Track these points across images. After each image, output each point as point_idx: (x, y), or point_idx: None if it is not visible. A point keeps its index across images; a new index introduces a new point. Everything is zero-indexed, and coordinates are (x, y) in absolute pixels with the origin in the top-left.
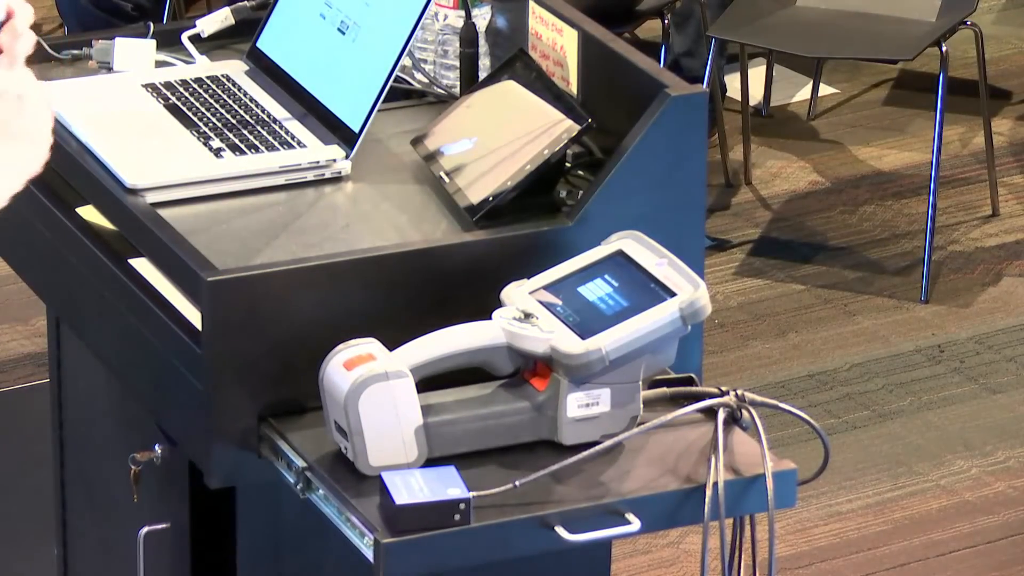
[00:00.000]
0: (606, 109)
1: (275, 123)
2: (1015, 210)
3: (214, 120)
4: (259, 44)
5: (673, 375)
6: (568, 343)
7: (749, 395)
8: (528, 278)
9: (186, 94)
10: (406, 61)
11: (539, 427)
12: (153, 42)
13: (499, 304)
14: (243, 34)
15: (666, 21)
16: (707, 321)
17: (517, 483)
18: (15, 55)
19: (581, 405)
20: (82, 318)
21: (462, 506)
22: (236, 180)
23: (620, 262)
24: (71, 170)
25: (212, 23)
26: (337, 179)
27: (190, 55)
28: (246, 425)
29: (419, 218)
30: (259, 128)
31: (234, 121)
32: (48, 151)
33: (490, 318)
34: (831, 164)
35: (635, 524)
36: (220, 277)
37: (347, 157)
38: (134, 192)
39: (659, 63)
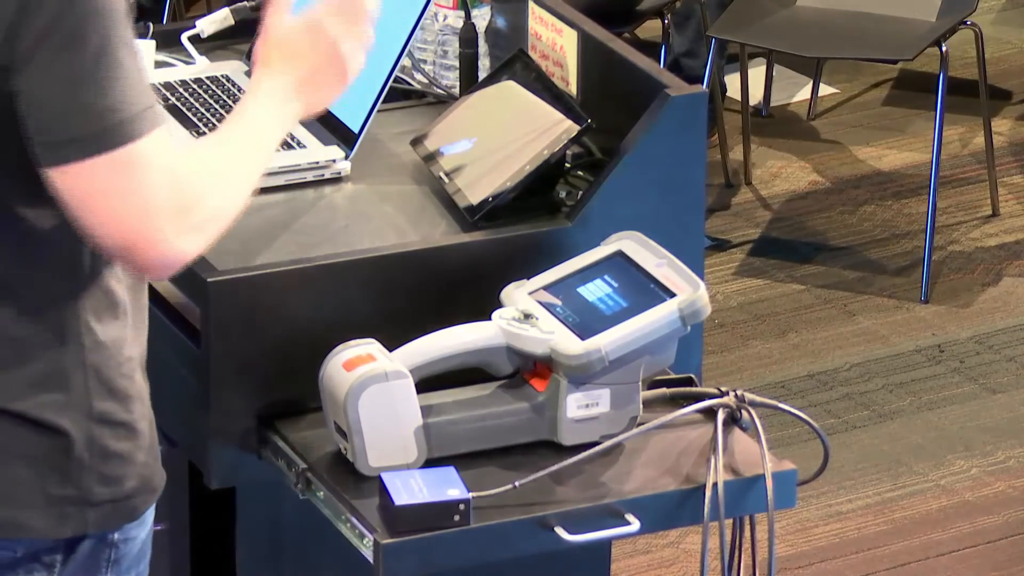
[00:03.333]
0: (606, 109)
1: None
2: (1015, 210)
3: (214, 121)
4: None
5: (673, 375)
6: (568, 344)
7: (749, 395)
8: (528, 278)
9: (186, 94)
10: (406, 61)
11: (539, 427)
12: (153, 42)
13: (499, 304)
14: (243, 34)
15: (666, 21)
16: (707, 321)
17: (517, 483)
18: None
19: (581, 406)
20: None
21: (462, 506)
22: None
23: (620, 263)
24: None
25: (212, 23)
26: (337, 179)
27: (190, 55)
28: (246, 425)
29: (418, 218)
30: None
31: None
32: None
33: (490, 318)
34: (831, 164)
35: (635, 524)
36: (220, 277)
37: (347, 157)
38: None
39: (659, 63)
